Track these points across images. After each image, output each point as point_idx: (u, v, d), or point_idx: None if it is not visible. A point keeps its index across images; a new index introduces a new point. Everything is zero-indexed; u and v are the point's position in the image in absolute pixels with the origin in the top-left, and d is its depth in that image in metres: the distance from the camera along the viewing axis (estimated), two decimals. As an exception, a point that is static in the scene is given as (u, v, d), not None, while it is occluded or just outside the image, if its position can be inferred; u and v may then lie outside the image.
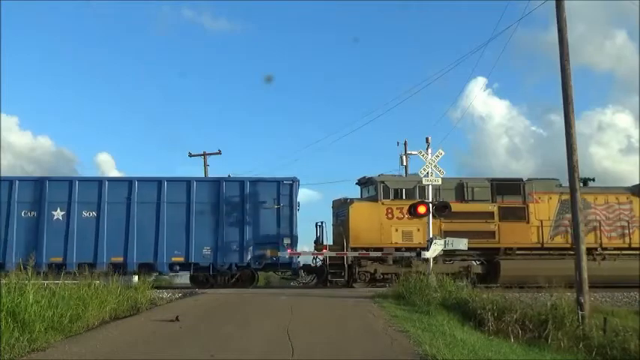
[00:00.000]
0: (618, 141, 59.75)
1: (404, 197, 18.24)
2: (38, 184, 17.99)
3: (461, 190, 18.66)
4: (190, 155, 30.40)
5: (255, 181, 18.60)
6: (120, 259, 17.44)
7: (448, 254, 17.24)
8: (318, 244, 18.87)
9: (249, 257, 17.88)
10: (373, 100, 65.30)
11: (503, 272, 17.68)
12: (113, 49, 66.43)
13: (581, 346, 9.35)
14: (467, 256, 17.84)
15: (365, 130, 73.83)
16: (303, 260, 19.02)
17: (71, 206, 17.74)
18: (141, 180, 18.43)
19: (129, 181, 18.42)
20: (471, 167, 63.42)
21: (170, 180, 18.46)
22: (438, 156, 15.73)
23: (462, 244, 15.68)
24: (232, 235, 17.97)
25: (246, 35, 70.28)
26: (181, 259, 17.78)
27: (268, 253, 17.96)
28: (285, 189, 18.19)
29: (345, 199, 19.20)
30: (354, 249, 17.81)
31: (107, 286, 10.63)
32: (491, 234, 18.30)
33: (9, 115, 67.26)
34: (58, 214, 17.70)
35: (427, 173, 15.64)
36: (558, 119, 11.82)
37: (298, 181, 18.51)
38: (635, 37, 64.44)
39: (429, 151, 15.85)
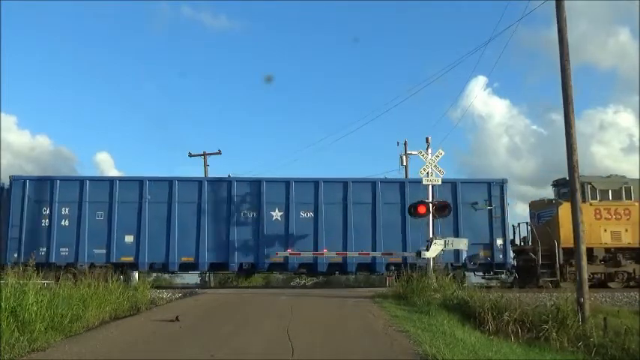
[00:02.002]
0: (620, 140, 59.74)
1: (610, 198, 18.39)
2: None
3: None
4: (190, 155, 30.43)
5: (466, 182, 18.83)
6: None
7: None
8: (526, 244, 18.89)
9: (464, 257, 17.97)
10: (373, 100, 65.37)
11: None
12: (112, 47, 66.52)
13: (581, 346, 9.35)
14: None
15: (365, 130, 73.96)
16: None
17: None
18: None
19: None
20: (471, 167, 63.47)
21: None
22: (438, 156, 15.75)
23: (462, 244, 15.70)
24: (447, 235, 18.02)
25: (246, 34, 70.34)
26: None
27: (482, 253, 18.10)
28: (496, 190, 18.43)
29: (550, 200, 19.27)
30: (565, 249, 17.58)
31: (107, 286, 10.64)
32: None
33: (7, 115, 67.34)
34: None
35: (427, 173, 15.66)
36: (559, 118, 11.83)
37: (507, 182, 18.79)
38: (637, 35, 64.42)
39: (429, 151, 15.87)
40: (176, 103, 69.55)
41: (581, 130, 57.96)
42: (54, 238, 17.65)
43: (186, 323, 9.21)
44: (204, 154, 30.13)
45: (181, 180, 18.55)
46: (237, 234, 17.95)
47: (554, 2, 11.90)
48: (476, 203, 18.29)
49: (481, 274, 18.66)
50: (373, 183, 18.56)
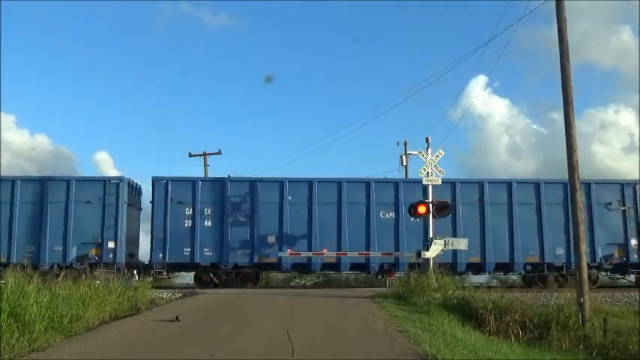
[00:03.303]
0: (620, 139, 59.66)
1: None
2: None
3: None
4: (190, 155, 30.39)
5: (599, 183, 18.97)
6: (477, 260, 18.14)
7: None
8: None
9: (599, 256, 18.24)
10: (373, 100, 65.28)
11: None
12: (112, 47, 66.35)
13: (581, 346, 9.35)
14: None
15: (365, 130, 73.74)
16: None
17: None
18: (520, 182, 18.91)
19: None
20: (471, 167, 63.41)
21: (519, 182, 19.00)
22: (438, 156, 15.74)
23: (462, 244, 15.69)
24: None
25: (247, 34, 70.27)
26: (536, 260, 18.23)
27: (616, 254, 18.29)
28: (629, 190, 18.64)
29: None
30: None
31: (107, 286, 10.63)
32: None
33: (6, 114, 67.27)
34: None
35: (427, 173, 15.65)
36: (559, 117, 11.81)
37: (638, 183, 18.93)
38: (637, 34, 64.31)
39: (429, 151, 15.86)
40: (176, 102, 69.44)
41: (581, 129, 57.84)
42: (197, 238, 17.90)
43: (186, 323, 9.20)
44: (204, 154, 30.10)
45: (321, 181, 18.81)
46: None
47: (554, 2, 11.90)
48: (610, 204, 18.54)
49: (618, 275, 18.88)
50: (367, 183, 18.68)
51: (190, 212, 18.05)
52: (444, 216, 16.47)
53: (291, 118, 69.99)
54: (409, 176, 25.81)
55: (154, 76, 68.88)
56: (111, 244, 17.79)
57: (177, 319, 9.38)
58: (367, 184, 18.61)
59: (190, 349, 7.21)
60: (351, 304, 12.32)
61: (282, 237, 17.98)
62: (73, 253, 17.70)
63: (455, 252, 17.41)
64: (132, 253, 19.09)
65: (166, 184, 18.24)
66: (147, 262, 18.69)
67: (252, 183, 18.51)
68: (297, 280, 25.23)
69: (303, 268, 18.77)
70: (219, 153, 30.25)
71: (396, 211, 18.18)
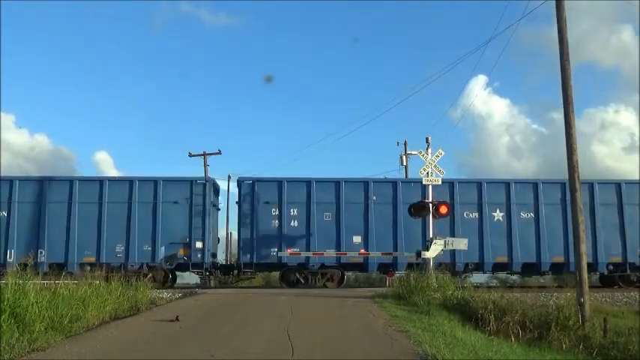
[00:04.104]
0: (621, 139, 59.64)
1: None
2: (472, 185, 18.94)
3: None
4: (190, 155, 30.43)
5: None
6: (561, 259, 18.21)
7: None
8: None
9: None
10: (374, 100, 65.40)
11: None
12: (111, 46, 66.50)
13: (581, 346, 9.34)
14: None
15: (365, 130, 73.92)
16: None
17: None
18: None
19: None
20: (471, 167, 63.46)
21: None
22: (438, 156, 15.74)
23: (462, 244, 15.69)
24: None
25: (246, 33, 70.29)
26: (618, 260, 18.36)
27: None
28: None
29: None
30: None
31: (107, 286, 10.63)
32: None
33: (6, 113, 67.33)
34: (498, 215, 18.53)
35: (427, 173, 15.65)
36: (560, 117, 11.80)
37: None
38: (638, 33, 64.20)
39: (429, 151, 15.86)
40: (176, 102, 69.59)
41: (582, 129, 58.00)
42: (284, 238, 18.03)
43: (186, 323, 9.20)
44: (204, 154, 30.14)
45: (405, 182, 19.13)
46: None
47: (554, 2, 11.89)
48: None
49: None
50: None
51: (277, 212, 18.22)
52: (444, 216, 16.45)
53: (291, 118, 70.15)
54: (409, 176, 25.87)
55: (153, 76, 69.08)
56: (199, 244, 18.03)
57: (177, 319, 9.38)
58: (451, 184, 18.72)
59: (190, 349, 7.21)
60: (351, 304, 12.32)
61: (368, 237, 18.00)
62: (161, 253, 17.94)
63: (537, 253, 17.91)
64: (214, 253, 19.33)
65: (252, 184, 18.41)
66: (222, 262, 19.07)
67: (337, 183, 18.57)
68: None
69: (387, 268, 18.83)
70: (219, 153, 30.33)
71: (480, 212, 18.41)
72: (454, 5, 65.91)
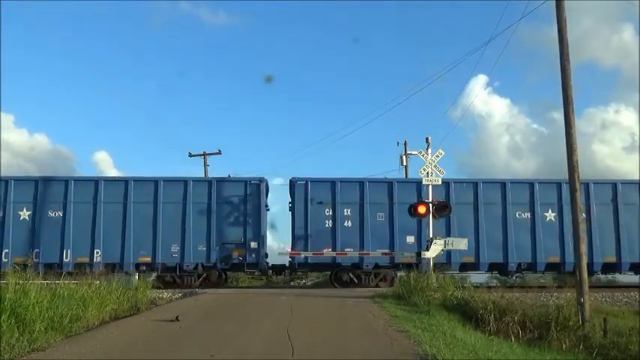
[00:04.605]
0: (621, 139, 59.61)
1: None
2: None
3: None
4: (190, 155, 30.42)
5: None
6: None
7: None
8: None
9: None
10: (374, 100, 65.42)
11: None
12: (111, 45, 66.51)
13: (581, 346, 9.34)
14: None
15: (365, 130, 73.91)
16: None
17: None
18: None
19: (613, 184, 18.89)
20: (471, 166, 63.47)
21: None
22: (438, 156, 15.74)
23: (461, 244, 15.69)
24: None
25: (246, 33, 70.29)
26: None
27: None
28: None
29: None
30: None
31: (108, 286, 10.63)
32: None
33: (5, 113, 67.33)
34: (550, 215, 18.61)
35: (427, 173, 15.65)
36: (560, 117, 11.78)
37: None
38: (638, 33, 64.11)
39: (429, 151, 15.86)
40: (175, 102, 69.59)
41: (582, 128, 58.02)
42: (338, 238, 18.05)
43: (186, 323, 9.20)
44: (204, 154, 30.13)
45: (457, 182, 19.10)
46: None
47: (554, 2, 11.89)
48: None
49: None
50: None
51: (330, 212, 18.25)
52: (444, 216, 16.46)
53: (291, 118, 70.14)
54: (409, 176, 25.86)
55: (153, 76, 69.09)
56: (253, 245, 18.09)
57: (177, 319, 9.38)
58: (503, 184, 18.84)
59: (190, 349, 7.21)
60: (351, 304, 12.32)
61: (421, 237, 18.00)
62: (216, 253, 17.98)
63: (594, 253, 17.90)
64: (266, 253, 19.38)
65: (306, 184, 18.45)
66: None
67: (390, 184, 18.65)
68: (297, 280, 25.27)
69: (442, 266, 18.70)
70: (219, 153, 30.32)
71: (532, 212, 18.49)
72: (454, 5, 65.95)
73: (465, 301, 11.40)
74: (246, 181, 18.59)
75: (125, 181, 18.47)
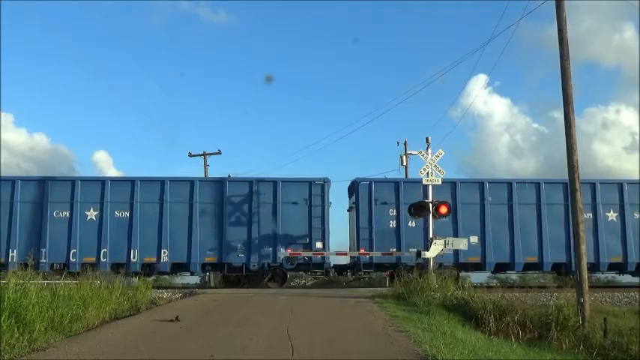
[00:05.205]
0: (622, 138, 59.57)
1: None
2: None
3: None
4: (190, 155, 30.42)
5: None
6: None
7: None
8: None
9: None
10: (374, 100, 65.37)
11: None
12: (110, 45, 66.44)
13: (581, 347, 9.34)
14: None
15: (366, 130, 73.88)
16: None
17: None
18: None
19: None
20: (471, 166, 63.44)
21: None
22: (438, 156, 15.72)
23: (462, 244, 15.69)
24: None
25: (246, 32, 70.29)
26: None
27: None
28: None
29: None
30: None
31: (108, 286, 10.64)
32: None
33: (4, 113, 67.28)
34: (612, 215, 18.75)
35: (427, 173, 15.64)
36: (560, 116, 11.79)
37: None
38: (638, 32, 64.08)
39: (429, 150, 15.85)
40: (175, 101, 69.54)
41: (582, 128, 57.92)
42: (403, 239, 18.14)
43: (186, 323, 9.21)
44: (204, 154, 30.13)
45: (520, 182, 19.17)
46: None
47: (555, 2, 11.88)
48: None
49: None
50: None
51: (394, 213, 18.32)
52: (444, 216, 16.45)
53: (291, 118, 70.11)
54: (409, 176, 25.86)
55: (153, 75, 69.07)
56: (319, 245, 18.16)
57: (177, 319, 9.38)
58: (565, 185, 18.57)
59: (190, 350, 7.21)
60: (352, 304, 12.32)
61: (485, 237, 18.09)
62: (282, 253, 18.03)
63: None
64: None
65: (369, 185, 18.54)
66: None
67: (454, 184, 18.65)
68: (297, 279, 25.26)
69: (505, 266, 18.88)
70: (219, 153, 30.31)
71: (594, 212, 18.58)
72: (454, 5, 65.93)
73: (465, 301, 11.40)
74: (310, 182, 18.69)
75: (191, 182, 18.61)
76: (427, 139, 16.08)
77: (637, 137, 56.66)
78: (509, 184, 18.84)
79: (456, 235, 17.86)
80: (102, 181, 18.46)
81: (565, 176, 11.95)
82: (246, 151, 65.32)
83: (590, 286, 11.33)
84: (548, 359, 8.66)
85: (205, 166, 30.00)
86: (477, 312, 10.48)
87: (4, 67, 59.38)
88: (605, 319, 10.13)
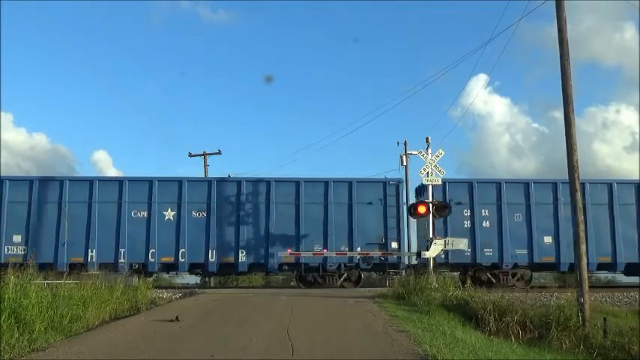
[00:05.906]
0: (622, 138, 59.58)
1: None
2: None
3: None
4: (190, 155, 30.43)
5: None
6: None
7: None
8: None
9: None
10: (374, 100, 65.44)
11: None
12: (110, 45, 66.53)
13: (581, 347, 9.34)
14: None
15: (366, 130, 73.88)
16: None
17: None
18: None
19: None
20: (471, 166, 63.49)
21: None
22: (438, 156, 15.75)
23: (462, 244, 15.70)
24: None
25: (246, 32, 70.29)
26: None
27: None
28: None
29: None
30: None
31: (108, 286, 10.64)
32: None
33: (4, 112, 67.31)
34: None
35: (427, 173, 15.66)
36: (560, 116, 11.80)
37: None
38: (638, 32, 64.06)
39: (429, 150, 15.87)
40: (175, 101, 69.58)
41: (583, 128, 58.03)
42: (477, 239, 18.10)
43: (186, 323, 9.20)
44: (204, 154, 30.15)
45: (591, 182, 18.96)
46: None
47: (555, 2, 11.88)
48: None
49: None
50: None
51: (468, 213, 18.29)
52: (444, 216, 16.47)
53: (291, 118, 70.17)
54: (409, 176, 25.89)
55: (153, 75, 69.19)
56: (394, 245, 18.14)
57: (177, 319, 9.38)
58: (637, 185, 18.80)
59: (190, 349, 7.21)
60: (352, 304, 12.32)
61: (559, 237, 18.04)
62: (357, 252, 18.04)
63: None
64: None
65: (443, 185, 18.24)
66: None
67: (527, 185, 18.68)
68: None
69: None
70: (219, 153, 30.34)
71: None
72: (454, 5, 65.95)
73: (465, 301, 11.40)
74: (384, 182, 18.73)
75: (267, 182, 18.58)
76: (427, 139, 16.12)
77: (637, 137, 56.78)
78: (582, 184, 18.79)
79: (530, 234, 18.04)
80: (179, 182, 18.44)
81: (565, 176, 11.93)
82: (246, 151, 65.37)
83: (590, 286, 11.33)
84: (548, 359, 8.66)
85: (205, 166, 30.03)
86: (477, 312, 10.49)
87: (4, 67, 59.46)
88: (605, 319, 10.13)
